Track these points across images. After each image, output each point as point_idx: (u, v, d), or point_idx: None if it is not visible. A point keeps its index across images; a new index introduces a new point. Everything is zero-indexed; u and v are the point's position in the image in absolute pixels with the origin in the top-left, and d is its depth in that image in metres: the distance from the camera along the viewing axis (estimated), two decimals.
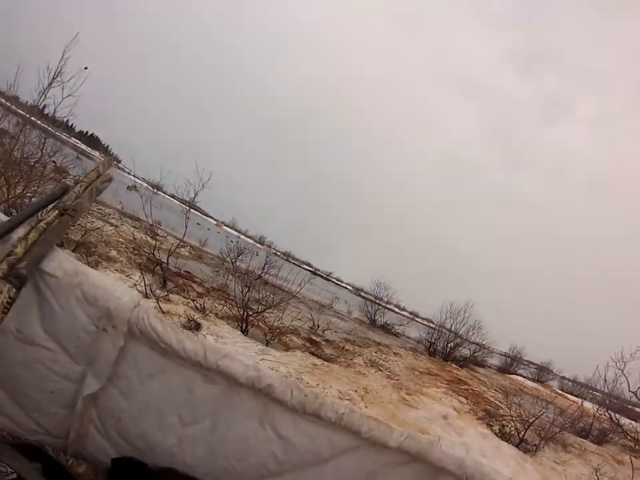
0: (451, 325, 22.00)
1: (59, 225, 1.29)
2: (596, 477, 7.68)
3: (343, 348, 12.79)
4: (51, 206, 1.34)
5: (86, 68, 8.35)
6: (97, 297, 1.31)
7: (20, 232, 1.28)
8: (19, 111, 8.76)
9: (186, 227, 10.48)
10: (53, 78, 8.00)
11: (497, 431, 9.34)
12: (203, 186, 10.71)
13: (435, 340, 21.31)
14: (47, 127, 8.68)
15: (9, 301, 1.06)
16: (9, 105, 9.03)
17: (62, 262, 1.32)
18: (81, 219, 10.75)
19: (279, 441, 1.37)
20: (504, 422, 9.96)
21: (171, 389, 1.41)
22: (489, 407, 11.70)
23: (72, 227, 1.46)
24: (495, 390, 16.03)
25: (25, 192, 7.70)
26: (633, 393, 8.82)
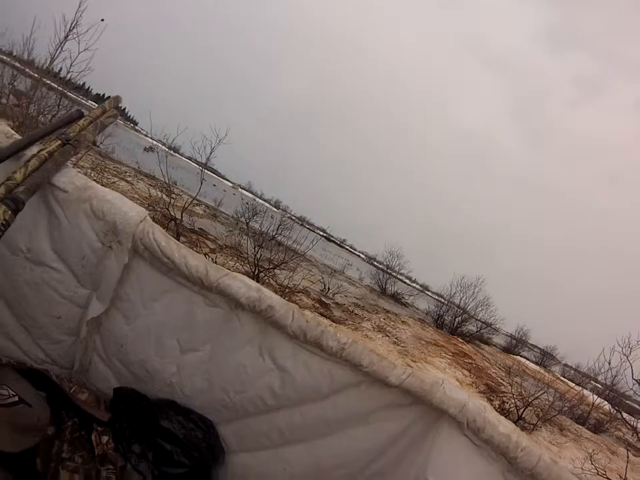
0: (460, 300, 22.01)
1: (61, 155, 1.30)
2: (590, 462, 7.75)
3: (352, 312, 12.85)
4: (53, 135, 1.35)
5: (102, 20, 8.17)
6: (104, 212, 1.31)
7: (34, 149, 1.29)
8: (34, 74, 8.69)
9: (201, 183, 10.40)
10: (70, 29, 7.83)
11: (497, 406, 9.43)
12: (219, 142, 10.54)
13: (444, 313, 21.37)
14: (61, 88, 8.61)
15: (4, 222, 1.07)
16: (23, 67, 8.98)
17: (73, 177, 1.33)
18: (97, 175, 10.81)
19: (277, 371, 1.35)
20: (504, 398, 10.07)
21: (172, 311, 1.41)
22: (490, 382, 11.81)
23: (73, 157, 1.48)
24: (498, 367, 16.12)
25: None
26: (636, 380, 8.69)
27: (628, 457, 8.17)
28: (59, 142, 1.30)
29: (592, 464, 7.63)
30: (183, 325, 1.41)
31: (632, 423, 10.07)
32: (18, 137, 1.33)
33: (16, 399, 1.17)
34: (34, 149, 1.28)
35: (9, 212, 1.08)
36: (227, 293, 1.31)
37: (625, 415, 11.20)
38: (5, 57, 10.04)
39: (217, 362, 1.41)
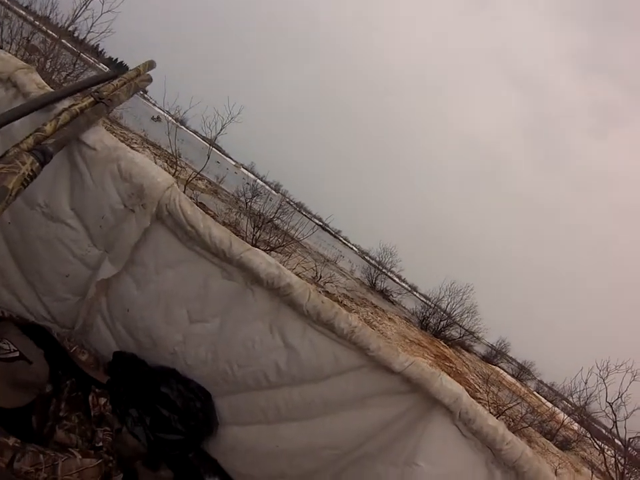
0: (447, 304, 22.19)
1: (92, 112, 1.26)
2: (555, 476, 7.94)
3: (341, 302, 12.85)
4: (86, 92, 1.32)
5: None
6: (132, 174, 1.30)
7: (66, 103, 1.26)
8: (52, 33, 8.56)
9: (208, 158, 10.34)
10: None
11: None
12: (232, 119, 10.44)
13: (429, 315, 21.58)
14: (76, 49, 8.50)
15: (30, 174, 1.02)
16: (40, 24, 8.85)
17: (103, 136, 1.31)
18: None
19: (284, 349, 1.37)
20: (480, 405, 10.23)
21: (186, 281, 1.41)
22: (468, 388, 11.94)
23: (105, 117, 1.45)
24: (476, 375, 16.35)
25: None
26: (609, 403, 8.92)
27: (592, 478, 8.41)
28: (92, 99, 1.27)
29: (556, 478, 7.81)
30: (195, 296, 1.42)
31: (599, 445, 10.28)
32: (50, 89, 1.31)
33: (17, 354, 1.16)
34: (65, 103, 1.25)
35: (37, 164, 1.05)
36: (247, 267, 1.32)
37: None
38: (23, 12, 9.87)
39: (225, 335, 1.42)
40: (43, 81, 1.34)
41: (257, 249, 1.35)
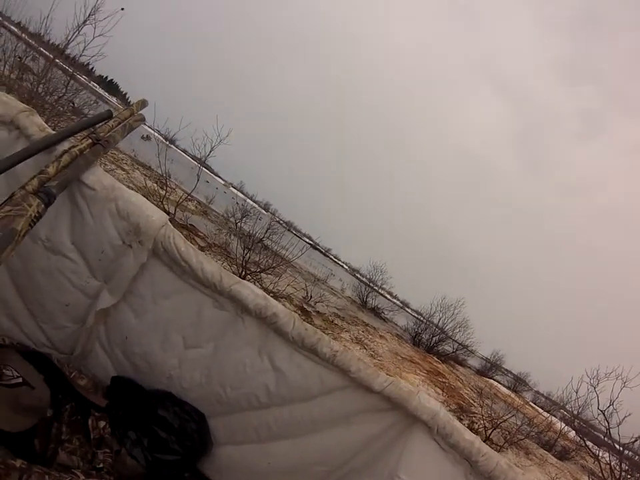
0: (439, 319, 22.21)
1: (91, 154, 1.35)
2: None
3: (332, 322, 12.97)
4: (84, 134, 1.40)
5: (122, 9, 8.25)
6: (129, 213, 1.40)
7: (66, 145, 1.35)
8: (47, 53, 8.68)
9: (197, 180, 10.45)
10: (90, 14, 7.93)
11: (466, 425, 9.55)
12: (220, 141, 10.60)
13: (421, 331, 21.59)
14: (68, 68, 8.59)
15: (37, 215, 1.09)
16: (34, 43, 8.97)
17: (101, 177, 1.41)
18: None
19: (273, 372, 1.46)
20: (474, 419, 10.25)
21: (181, 310, 1.51)
22: (462, 402, 11.98)
23: (102, 157, 1.53)
24: (470, 389, 16.33)
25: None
26: (601, 411, 9.02)
27: None
28: (90, 141, 1.36)
29: None
30: (189, 323, 1.52)
31: (596, 452, 10.32)
32: (50, 130, 1.40)
33: (20, 380, 1.21)
34: (65, 145, 1.34)
35: (42, 205, 1.12)
36: (236, 298, 1.43)
37: (589, 443, 11.46)
38: (17, 31, 9.98)
39: (218, 359, 1.52)
40: (43, 123, 1.44)
41: (245, 281, 1.47)
